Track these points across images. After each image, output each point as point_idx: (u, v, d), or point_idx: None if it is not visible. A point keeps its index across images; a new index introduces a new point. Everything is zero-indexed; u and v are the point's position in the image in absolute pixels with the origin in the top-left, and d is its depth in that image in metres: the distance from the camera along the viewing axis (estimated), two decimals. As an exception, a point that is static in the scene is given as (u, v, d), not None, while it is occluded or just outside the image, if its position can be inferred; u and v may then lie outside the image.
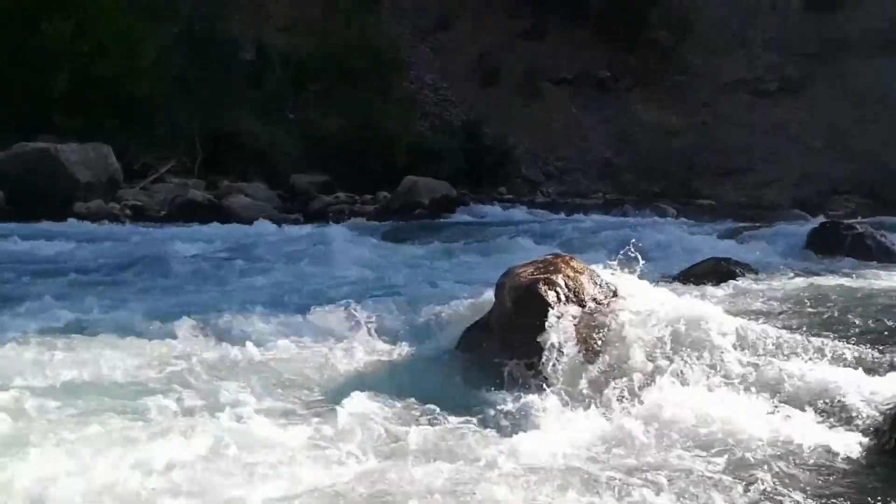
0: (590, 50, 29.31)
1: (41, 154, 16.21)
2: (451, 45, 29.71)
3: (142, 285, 8.02)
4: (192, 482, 3.05)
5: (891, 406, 3.62)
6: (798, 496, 2.98)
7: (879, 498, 2.99)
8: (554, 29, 29.77)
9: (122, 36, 18.92)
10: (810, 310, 5.52)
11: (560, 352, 4.33)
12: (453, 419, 3.85)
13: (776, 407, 3.92)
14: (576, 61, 29.04)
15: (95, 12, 18.83)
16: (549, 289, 4.59)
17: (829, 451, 3.40)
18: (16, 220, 13.44)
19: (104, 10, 18.92)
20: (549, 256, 5.05)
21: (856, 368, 4.19)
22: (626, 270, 5.02)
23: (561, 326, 4.41)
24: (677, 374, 4.19)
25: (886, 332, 4.75)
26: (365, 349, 5.21)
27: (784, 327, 4.90)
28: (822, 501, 2.93)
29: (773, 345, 4.47)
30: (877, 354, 4.37)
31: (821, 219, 15.54)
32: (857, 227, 10.53)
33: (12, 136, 16.48)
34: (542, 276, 4.70)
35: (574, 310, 4.56)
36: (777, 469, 3.22)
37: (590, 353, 4.38)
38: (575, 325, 4.47)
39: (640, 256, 5.05)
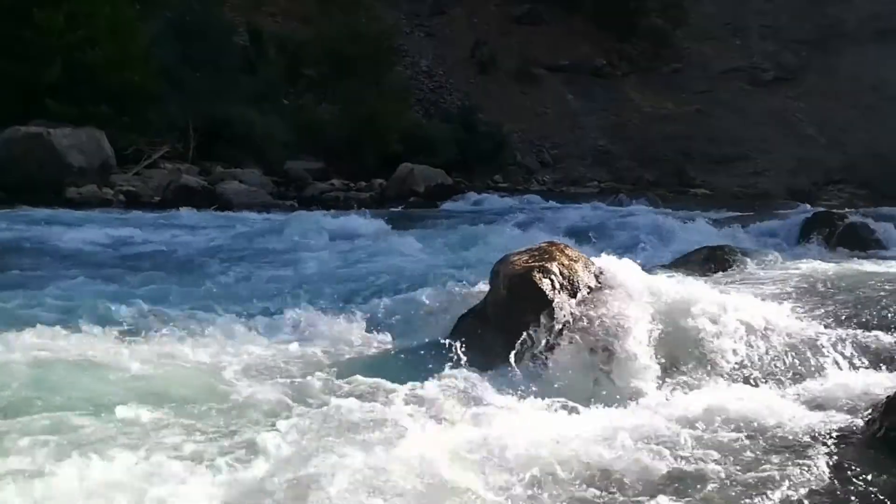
0: (585, 37, 29.25)
1: (33, 138, 16.06)
2: (445, 31, 29.60)
3: (140, 277, 7.96)
4: (206, 472, 3.04)
5: (882, 394, 3.63)
6: (787, 482, 2.99)
7: (869, 485, 3.00)
8: (549, 16, 29.67)
9: (114, 24, 18.68)
10: (804, 298, 5.52)
11: (554, 339, 4.34)
12: (447, 406, 3.84)
13: (767, 393, 3.93)
14: (571, 49, 28.95)
15: (86, 1, 18.57)
16: (544, 276, 4.58)
17: (818, 437, 3.41)
18: (5, 205, 13.33)
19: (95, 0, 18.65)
20: (543, 244, 5.05)
21: (849, 356, 4.21)
22: (620, 258, 5.01)
23: (555, 314, 4.41)
24: (673, 362, 4.20)
25: (879, 321, 4.75)
26: (359, 337, 5.21)
27: (778, 315, 4.90)
28: (810, 488, 2.94)
29: (766, 332, 4.48)
30: (870, 342, 4.38)
31: (815, 208, 15.59)
32: (851, 216, 10.59)
33: (4, 122, 16.31)
34: (536, 263, 4.69)
35: (568, 297, 4.56)
36: (765, 455, 3.22)
37: (584, 340, 4.38)
38: (569, 312, 4.47)
39: (634, 244, 5.05)
